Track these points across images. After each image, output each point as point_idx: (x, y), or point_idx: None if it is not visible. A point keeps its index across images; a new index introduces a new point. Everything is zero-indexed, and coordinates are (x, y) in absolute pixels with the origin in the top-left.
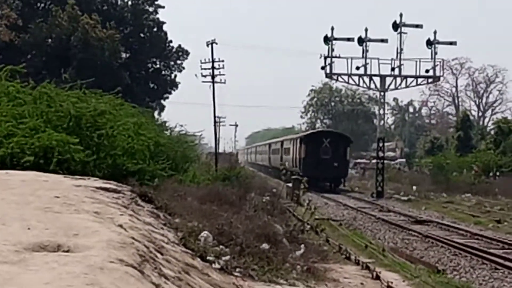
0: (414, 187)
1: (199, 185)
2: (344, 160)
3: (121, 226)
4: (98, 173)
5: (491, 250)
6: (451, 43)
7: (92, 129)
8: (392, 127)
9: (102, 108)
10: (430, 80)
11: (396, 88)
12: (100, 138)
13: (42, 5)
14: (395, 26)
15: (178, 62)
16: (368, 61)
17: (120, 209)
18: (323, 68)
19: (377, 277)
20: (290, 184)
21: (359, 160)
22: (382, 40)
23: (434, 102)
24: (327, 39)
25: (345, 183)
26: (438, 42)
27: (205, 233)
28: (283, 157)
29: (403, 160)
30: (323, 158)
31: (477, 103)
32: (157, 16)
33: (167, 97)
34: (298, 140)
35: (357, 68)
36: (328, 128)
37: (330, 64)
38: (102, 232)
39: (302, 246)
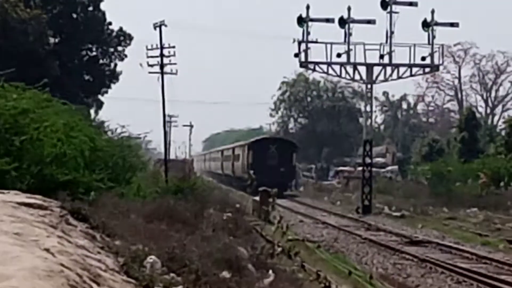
0: (410, 200)
1: (145, 200)
2: (290, 165)
3: (47, 250)
4: (21, 186)
5: (502, 277)
6: (452, 25)
7: (12, 132)
8: (382, 127)
9: (24, 106)
10: (427, 69)
11: (386, 80)
12: (23, 143)
13: None
14: (384, 4)
15: (119, 48)
16: (351, 47)
17: (47, 229)
18: (296, 55)
19: None
20: (257, 198)
21: (341, 168)
22: (369, 22)
23: (432, 96)
24: (301, 20)
25: (292, 188)
26: (437, 24)
27: (151, 258)
28: (234, 164)
29: (395, 167)
30: (270, 164)
31: (484, 97)
32: None
33: (106, 92)
34: (246, 147)
35: (338, 55)
36: (275, 136)
37: (306, 51)
38: (24, 258)
39: (271, 273)
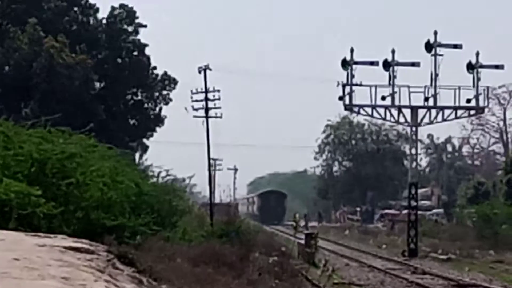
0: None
1: (190, 244)
2: (283, 208)
3: None
4: (67, 230)
5: None
6: (497, 67)
7: (59, 176)
8: (427, 169)
9: (71, 151)
10: (472, 112)
11: (431, 122)
12: (69, 187)
13: None
14: (429, 47)
15: (164, 92)
16: (396, 89)
17: (94, 273)
18: (341, 98)
19: None
20: (302, 241)
21: (386, 211)
22: (413, 64)
23: (477, 139)
24: (345, 63)
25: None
26: (482, 66)
27: None
28: (254, 207)
29: (441, 210)
30: (271, 206)
31: None
32: (138, 37)
33: (151, 135)
34: (257, 196)
35: (383, 98)
36: (274, 190)
37: (350, 94)
38: None
39: None
